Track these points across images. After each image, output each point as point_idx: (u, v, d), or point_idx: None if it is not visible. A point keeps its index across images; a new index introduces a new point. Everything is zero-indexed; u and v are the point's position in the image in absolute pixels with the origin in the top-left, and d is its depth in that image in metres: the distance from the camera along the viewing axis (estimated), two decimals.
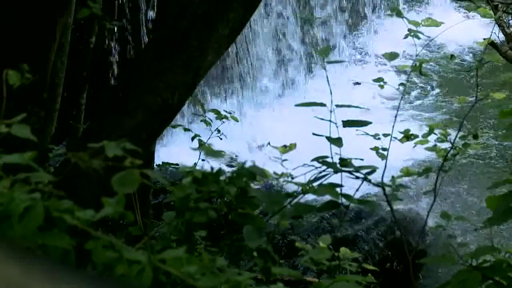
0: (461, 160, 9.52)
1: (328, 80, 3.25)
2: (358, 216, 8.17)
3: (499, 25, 7.08)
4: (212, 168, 2.44)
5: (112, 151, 2.15)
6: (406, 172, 3.77)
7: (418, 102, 11.53)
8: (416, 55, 4.11)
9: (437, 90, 11.82)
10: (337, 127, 3.07)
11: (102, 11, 4.89)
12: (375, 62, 12.32)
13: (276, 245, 7.60)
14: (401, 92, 3.93)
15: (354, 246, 7.58)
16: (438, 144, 3.99)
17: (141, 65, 3.73)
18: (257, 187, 7.67)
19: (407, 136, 4.12)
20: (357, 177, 2.91)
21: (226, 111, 6.29)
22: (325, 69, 3.38)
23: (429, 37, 4.19)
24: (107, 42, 8.82)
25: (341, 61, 9.14)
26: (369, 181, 2.93)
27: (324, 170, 2.85)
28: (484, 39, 4.81)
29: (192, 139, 6.06)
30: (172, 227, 2.50)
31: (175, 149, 9.42)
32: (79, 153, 2.17)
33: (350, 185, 2.93)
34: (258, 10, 9.41)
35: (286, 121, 9.76)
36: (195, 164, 5.33)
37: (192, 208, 2.37)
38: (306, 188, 2.78)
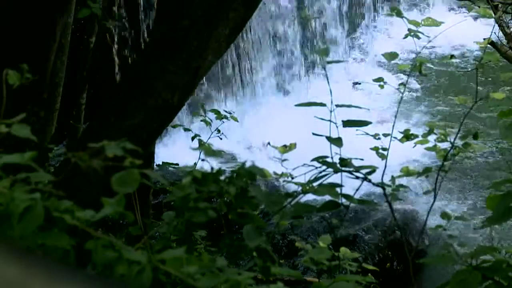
0: (462, 160, 9.52)
1: (328, 80, 3.25)
2: (358, 216, 8.17)
3: (499, 25, 7.07)
4: (212, 168, 2.44)
5: (112, 151, 2.15)
6: (406, 172, 3.76)
7: (418, 102, 11.53)
8: (416, 55, 4.10)
9: (437, 90, 11.82)
10: (337, 127, 3.07)
11: (102, 11, 4.89)
12: (375, 62, 12.33)
13: (276, 245, 7.60)
14: (401, 92, 3.93)
15: (354, 246, 7.58)
16: (438, 144, 3.99)
17: (141, 65, 3.73)
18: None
19: (407, 136, 4.11)
20: (357, 177, 2.91)
21: (226, 111, 6.29)
22: (325, 69, 3.38)
23: (429, 36, 4.19)
24: (107, 42, 8.81)
25: (341, 61, 9.14)
26: (369, 181, 2.93)
27: (324, 170, 2.85)
28: (484, 39, 4.81)
29: (192, 139, 6.06)
30: (172, 227, 2.50)
31: (175, 149, 9.42)
32: (79, 153, 2.17)
33: (350, 185, 2.93)
34: (258, 10, 9.41)
35: (286, 121, 9.76)
36: (195, 164, 5.33)
37: (192, 208, 2.37)
38: (306, 188, 2.78)
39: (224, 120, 6.18)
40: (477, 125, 10.22)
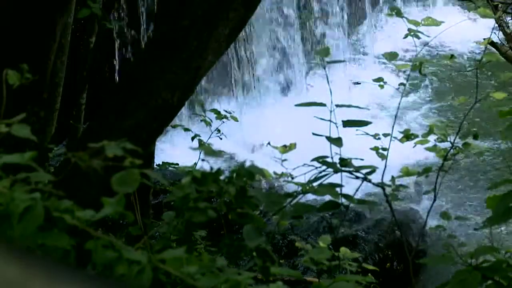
0: (462, 160, 9.52)
1: (328, 80, 3.25)
2: (358, 216, 8.17)
3: (499, 25, 7.08)
4: (211, 168, 2.44)
5: (112, 151, 2.15)
6: (406, 172, 3.77)
7: (418, 102, 11.53)
8: (416, 55, 4.10)
9: (437, 90, 11.82)
10: (337, 127, 3.07)
11: (102, 11, 4.89)
12: (375, 62, 12.33)
13: (276, 245, 7.60)
14: (401, 92, 3.93)
15: (354, 246, 7.58)
16: (438, 144, 3.99)
17: (141, 65, 3.73)
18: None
19: (407, 136, 4.12)
20: (357, 177, 2.91)
21: (226, 111, 6.29)
22: (325, 69, 3.38)
23: (429, 36, 4.19)
24: (107, 42, 8.82)
25: (341, 61, 9.14)
26: (369, 181, 2.93)
27: (324, 170, 2.85)
28: (484, 39, 4.81)
29: (192, 139, 6.06)
30: (172, 227, 2.50)
31: (175, 149, 9.42)
32: (79, 153, 2.17)
33: (350, 185, 2.93)
34: (258, 10, 9.41)
35: (286, 121, 9.77)
36: (195, 164, 5.33)
37: (192, 208, 2.37)
38: (306, 188, 2.78)
39: (224, 120, 6.18)
40: (477, 125, 10.22)
